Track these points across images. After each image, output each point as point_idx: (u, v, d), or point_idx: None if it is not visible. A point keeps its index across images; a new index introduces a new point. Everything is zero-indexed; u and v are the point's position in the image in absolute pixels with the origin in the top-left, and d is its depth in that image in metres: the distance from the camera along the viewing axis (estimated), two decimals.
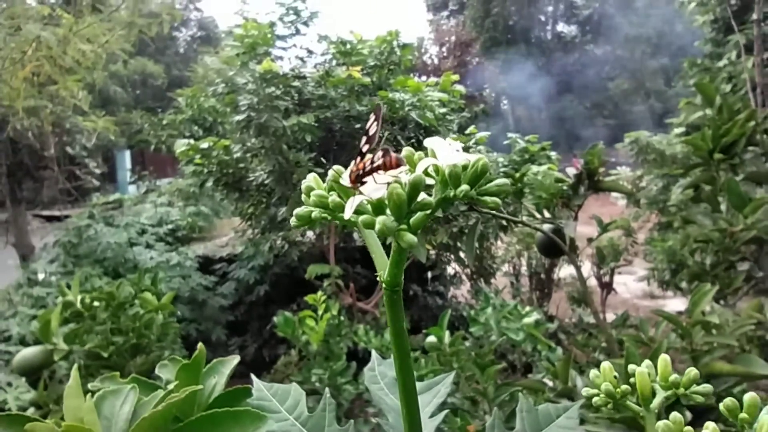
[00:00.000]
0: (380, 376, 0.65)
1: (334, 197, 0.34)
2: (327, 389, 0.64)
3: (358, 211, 0.33)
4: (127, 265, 2.79)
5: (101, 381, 0.74)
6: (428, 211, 0.33)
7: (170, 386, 0.58)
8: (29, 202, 4.85)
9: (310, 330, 2.05)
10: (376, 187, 0.33)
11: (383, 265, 0.36)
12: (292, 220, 0.35)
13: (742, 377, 0.98)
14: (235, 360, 0.66)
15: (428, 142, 0.35)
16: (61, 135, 4.17)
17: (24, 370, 1.35)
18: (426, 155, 0.35)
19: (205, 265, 3.11)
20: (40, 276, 2.67)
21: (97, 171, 5.47)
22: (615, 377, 0.44)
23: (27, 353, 1.35)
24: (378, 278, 0.35)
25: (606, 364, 0.43)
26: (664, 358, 0.42)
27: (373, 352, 0.71)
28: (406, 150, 0.35)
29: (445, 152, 0.34)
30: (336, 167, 0.36)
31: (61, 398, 0.55)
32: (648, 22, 16.05)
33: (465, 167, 0.34)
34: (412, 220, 0.32)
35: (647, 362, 0.43)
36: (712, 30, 4.82)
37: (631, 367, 0.43)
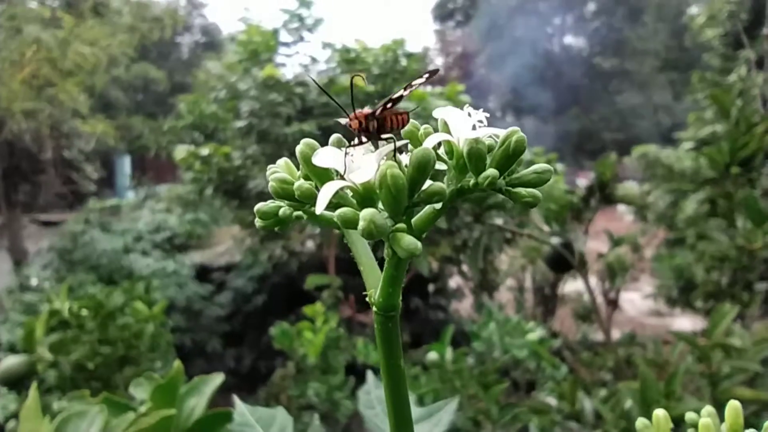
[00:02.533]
0: (377, 400, 0.59)
1: (302, 184, 0.26)
2: (315, 415, 0.57)
3: (338, 204, 0.25)
4: (122, 272, 2.73)
5: (69, 399, 0.67)
6: (438, 206, 0.24)
7: (143, 407, 0.53)
8: (26, 206, 4.82)
9: (308, 342, 2.00)
10: (364, 166, 0.24)
11: (375, 282, 0.27)
12: (257, 220, 0.28)
13: (766, 404, 0.92)
14: (218, 379, 0.59)
15: (438, 112, 0.28)
16: (59, 139, 4.13)
17: (6, 380, 1.29)
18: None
19: (202, 273, 3.05)
20: (33, 281, 2.62)
21: (95, 175, 5.43)
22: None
23: (9, 362, 1.29)
24: (367, 299, 0.28)
25: (661, 413, 0.35)
26: (734, 407, 0.33)
27: (369, 373, 0.64)
28: (410, 123, 0.28)
29: (462, 124, 0.26)
30: (306, 140, 0.28)
31: (45, 410, 0.49)
32: (656, 36, 16.05)
33: (490, 147, 0.25)
34: (415, 217, 0.25)
35: (708, 409, 0.34)
36: (722, 44, 4.77)
37: (689, 416, 0.36)
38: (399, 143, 0.26)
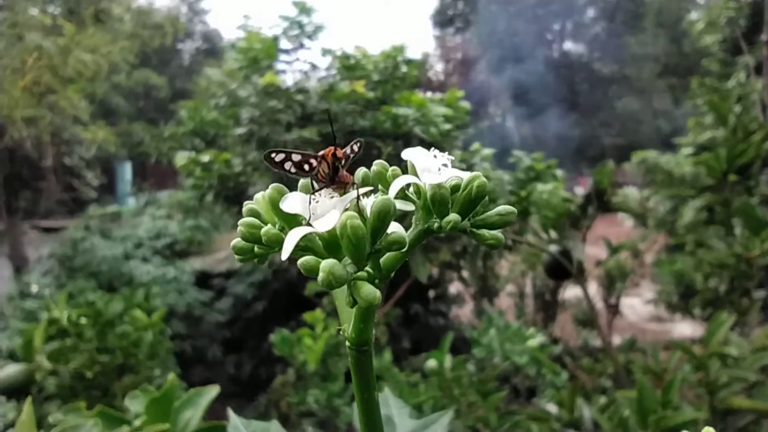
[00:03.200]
0: None
1: (269, 230, 0.27)
2: (309, 429, 0.58)
3: (306, 247, 0.26)
4: (123, 278, 2.73)
5: (64, 412, 0.67)
6: (402, 252, 0.25)
7: (138, 421, 0.53)
8: (27, 212, 4.82)
9: (308, 349, 2.00)
10: (328, 213, 0.24)
11: (348, 317, 0.27)
12: (235, 255, 0.28)
13: (763, 414, 0.92)
14: (213, 391, 0.60)
15: (407, 154, 0.28)
16: (60, 145, 4.14)
17: (4, 389, 1.29)
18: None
19: (203, 279, 3.05)
20: (34, 288, 2.62)
21: (95, 182, 5.43)
22: None
23: (8, 371, 1.30)
24: (341, 333, 0.28)
25: None
26: None
27: None
28: (378, 164, 0.28)
29: (428, 166, 0.26)
30: (275, 185, 0.28)
31: (44, 419, 0.49)
32: (656, 42, 16.08)
33: (456, 188, 0.26)
34: (380, 261, 0.25)
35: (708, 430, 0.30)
36: (721, 50, 4.79)
37: None
38: (363, 190, 0.26)
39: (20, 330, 2.25)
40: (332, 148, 0.28)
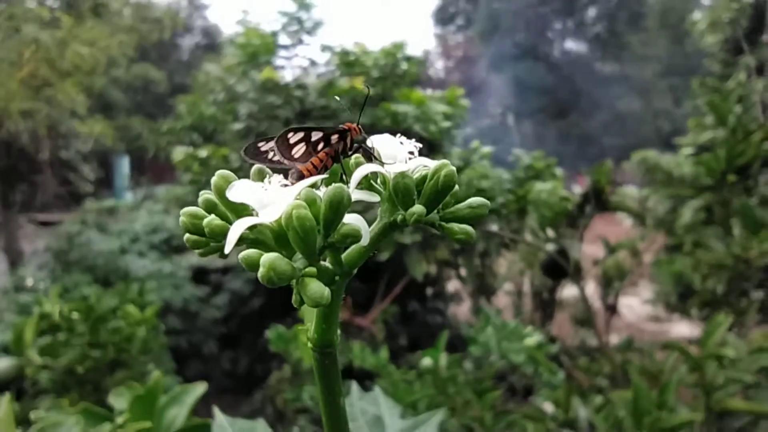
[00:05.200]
0: (360, 412, 0.58)
1: (212, 221, 0.25)
2: (296, 428, 0.57)
3: (256, 240, 0.24)
4: (119, 273, 2.72)
5: (47, 409, 0.66)
6: (364, 245, 0.23)
7: (120, 419, 0.52)
8: (23, 206, 4.80)
9: (304, 346, 1.98)
10: (276, 203, 0.22)
11: (311, 316, 0.26)
12: (190, 248, 0.27)
13: (759, 415, 0.91)
14: (200, 388, 0.58)
15: (372, 140, 0.27)
16: (57, 139, 4.12)
17: None
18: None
19: (199, 275, 3.04)
20: (29, 282, 2.61)
21: (92, 176, 5.41)
22: None
23: None
24: (306, 335, 0.26)
25: None
26: None
27: (353, 384, 0.64)
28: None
29: (393, 154, 0.25)
30: (221, 172, 0.27)
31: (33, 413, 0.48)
32: (658, 42, 16.05)
33: (423, 178, 0.24)
34: (345, 253, 0.23)
35: None
36: (723, 50, 4.77)
37: None
38: (315, 178, 0.25)
39: (14, 323, 2.24)
40: (353, 124, 0.27)
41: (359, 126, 0.27)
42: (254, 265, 0.21)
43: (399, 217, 0.23)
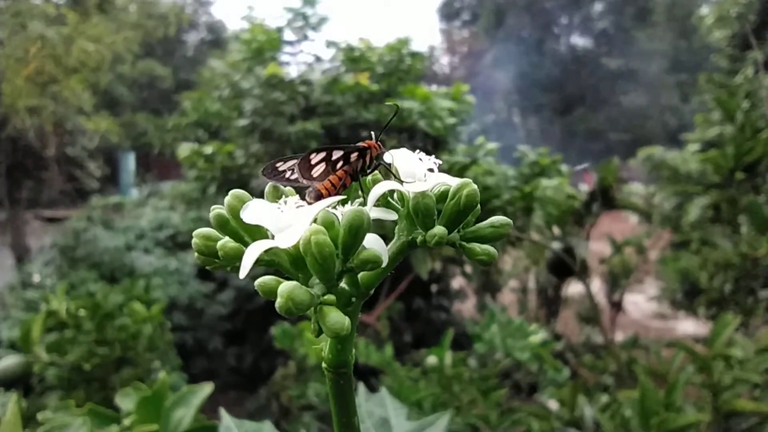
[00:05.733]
0: (366, 414, 0.58)
1: (226, 243, 0.24)
2: (303, 429, 0.56)
3: (270, 261, 0.24)
4: (124, 269, 2.73)
5: (54, 410, 0.66)
6: (380, 268, 0.22)
7: (128, 420, 0.52)
8: (30, 202, 4.82)
9: (309, 343, 1.99)
10: (294, 226, 0.21)
11: (323, 339, 0.25)
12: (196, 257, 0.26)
13: (767, 416, 0.90)
14: (206, 389, 0.59)
15: (389, 156, 0.25)
16: (63, 136, 4.13)
17: (2, 380, 1.29)
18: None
19: (205, 271, 3.04)
20: (35, 278, 2.62)
21: (98, 173, 5.42)
22: None
23: (5, 363, 1.29)
24: (318, 354, 0.26)
25: None
26: None
27: (360, 386, 0.63)
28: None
29: (412, 171, 0.24)
30: (235, 191, 0.26)
31: (43, 410, 0.48)
32: (665, 37, 15.96)
33: (443, 195, 0.23)
34: (358, 278, 0.22)
35: None
36: (730, 46, 4.73)
37: None
38: (333, 199, 0.24)
39: (21, 320, 2.25)
40: (373, 142, 0.27)
41: (379, 143, 0.26)
42: (271, 293, 0.21)
43: (419, 238, 0.23)
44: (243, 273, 0.21)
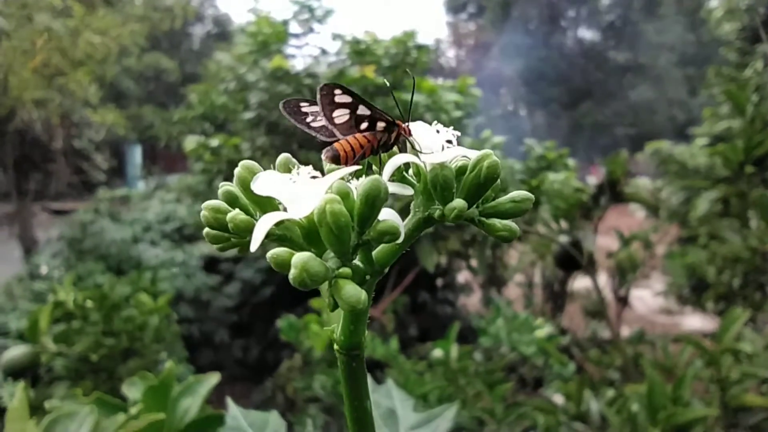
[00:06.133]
0: (373, 405, 0.58)
1: (236, 215, 0.22)
2: (309, 420, 0.56)
3: (282, 236, 0.23)
4: (131, 262, 2.74)
5: (61, 398, 0.67)
6: (398, 242, 0.21)
7: (134, 409, 0.52)
8: (37, 194, 4.84)
9: (315, 335, 1.99)
10: (307, 196, 0.20)
11: (336, 317, 0.24)
12: (205, 232, 0.25)
13: None
14: (213, 379, 0.58)
15: (411, 127, 0.24)
16: (69, 128, 4.14)
17: (10, 370, 1.30)
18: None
19: (211, 264, 3.05)
20: (43, 270, 2.64)
21: (105, 165, 5.43)
22: None
23: (13, 353, 1.30)
24: (330, 336, 0.25)
25: None
26: None
27: (368, 376, 0.63)
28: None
29: (429, 144, 0.23)
30: (245, 162, 0.25)
31: (48, 399, 0.48)
32: (673, 30, 15.84)
33: (462, 170, 0.23)
34: (376, 250, 0.22)
35: None
36: (739, 39, 4.69)
37: None
38: (348, 169, 0.23)
39: (29, 311, 2.26)
40: (402, 123, 0.26)
41: (408, 127, 0.25)
42: (284, 265, 0.20)
43: (437, 213, 0.22)
44: (254, 245, 0.20)
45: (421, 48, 2.78)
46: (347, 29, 2.83)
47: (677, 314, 3.84)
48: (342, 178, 0.22)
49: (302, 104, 0.28)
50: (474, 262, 2.88)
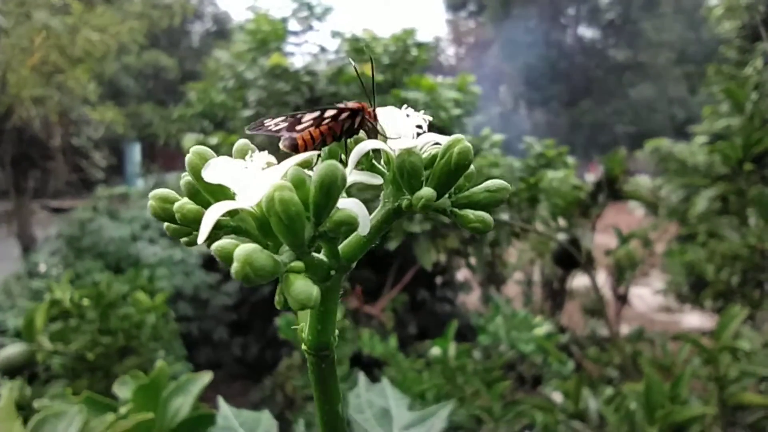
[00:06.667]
0: (367, 404, 0.57)
1: (184, 205, 0.22)
2: (301, 419, 0.56)
3: (237, 227, 0.21)
4: (130, 260, 2.73)
5: (50, 397, 0.66)
6: (365, 236, 0.20)
7: (124, 408, 0.51)
8: (36, 192, 4.83)
9: None
10: (258, 184, 0.19)
11: (304, 315, 0.23)
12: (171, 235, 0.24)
13: None
14: (205, 378, 0.58)
15: (378, 112, 0.23)
16: (68, 126, 4.13)
17: (5, 369, 1.29)
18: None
19: (210, 262, 3.05)
20: (42, 268, 2.63)
21: (103, 163, 5.42)
22: None
23: (9, 352, 1.29)
24: (299, 334, 0.24)
25: None
26: None
27: (361, 375, 0.63)
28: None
29: (399, 128, 0.22)
30: (197, 148, 0.23)
31: (43, 398, 0.48)
32: (673, 27, 15.82)
33: (433, 159, 0.21)
34: (342, 244, 0.20)
35: None
36: (739, 37, 4.68)
37: None
38: (305, 155, 0.22)
39: (27, 309, 2.26)
40: (367, 105, 0.24)
41: (374, 111, 0.24)
42: (230, 259, 0.19)
43: (404, 203, 0.20)
44: (201, 238, 0.19)
45: (420, 45, 2.78)
46: (346, 27, 2.82)
47: (677, 312, 3.84)
48: (302, 165, 0.21)
49: (266, 121, 0.27)
50: (473, 260, 2.88)
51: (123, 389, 0.55)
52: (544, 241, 2.80)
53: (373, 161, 0.21)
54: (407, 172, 0.20)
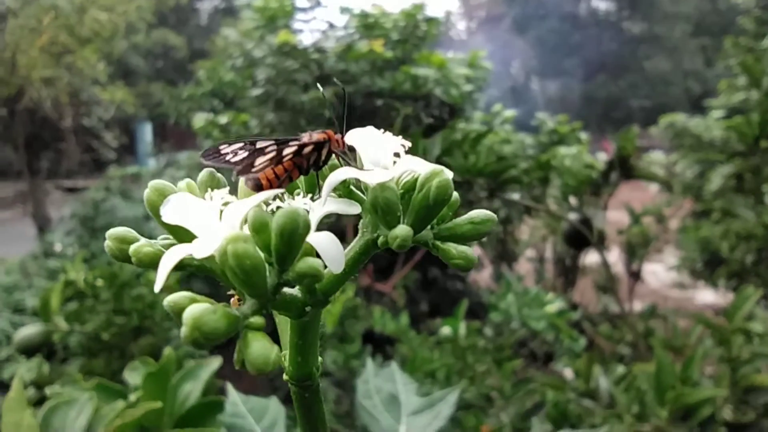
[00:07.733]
0: (375, 390, 0.57)
1: (140, 248, 0.20)
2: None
3: (201, 267, 0.20)
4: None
5: (62, 384, 0.67)
6: (338, 275, 0.19)
7: (134, 395, 0.52)
8: (49, 172, 4.86)
9: (326, 311, 2.00)
10: (218, 227, 0.18)
11: (287, 342, 0.22)
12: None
13: None
14: (215, 363, 0.59)
15: (351, 137, 0.21)
16: (78, 106, 4.14)
17: (23, 349, 1.32)
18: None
19: None
20: (57, 248, 2.66)
21: (115, 143, 5.44)
22: None
23: (27, 332, 1.32)
24: (281, 363, 0.23)
25: None
26: None
27: (369, 362, 0.63)
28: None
29: (375, 155, 0.20)
30: (156, 184, 0.22)
31: (62, 377, 0.49)
32: None
33: (409, 188, 0.20)
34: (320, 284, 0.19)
35: None
36: (757, 7, 4.57)
37: None
38: (268, 193, 0.21)
39: (44, 288, 2.29)
40: (333, 134, 0.23)
41: (342, 139, 0.23)
42: (179, 312, 0.17)
43: (380, 239, 0.19)
44: (157, 287, 0.18)
45: (430, 20, 2.74)
46: (355, 3, 2.78)
47: (690, 288, 3.82)
48: (265, 203, 0.19)
49: (221, 147, 0.25)
50: (485, 237, 2.87)
51: (133, 375, 0.55)
52: (556, 220, 2.79)
53: (351, 187, 0.20)
54: (381, 209, 0.18)
